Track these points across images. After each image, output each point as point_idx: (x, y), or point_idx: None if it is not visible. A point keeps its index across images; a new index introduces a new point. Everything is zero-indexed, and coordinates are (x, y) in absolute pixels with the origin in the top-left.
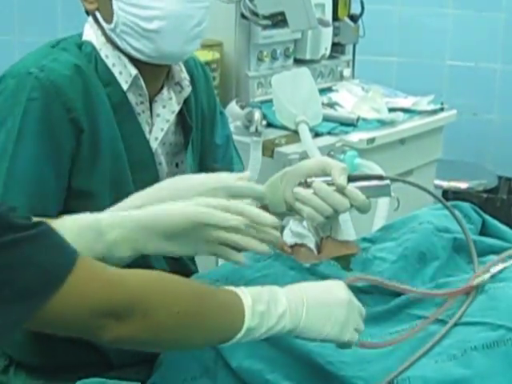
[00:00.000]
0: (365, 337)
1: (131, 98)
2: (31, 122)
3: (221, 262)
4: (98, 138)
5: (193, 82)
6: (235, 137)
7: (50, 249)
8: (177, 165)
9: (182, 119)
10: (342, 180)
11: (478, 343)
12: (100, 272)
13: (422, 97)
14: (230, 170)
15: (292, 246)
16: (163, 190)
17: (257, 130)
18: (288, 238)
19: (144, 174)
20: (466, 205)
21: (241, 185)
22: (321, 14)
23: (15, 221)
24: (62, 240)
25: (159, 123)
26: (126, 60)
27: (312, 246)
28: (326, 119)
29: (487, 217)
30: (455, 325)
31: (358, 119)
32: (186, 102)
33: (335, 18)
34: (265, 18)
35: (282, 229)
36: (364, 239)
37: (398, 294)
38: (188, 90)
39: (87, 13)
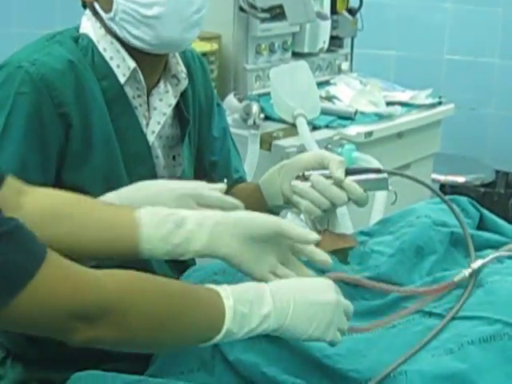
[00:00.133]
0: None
1: (128, 91)
2: (19, 117)
3: None
4: (90, 133)
5: (190, 74)
6: (233, 130)
7: (14, 249)
8: (174, 157)
9: (179, 112)
10: (339, 173)
11: (475, 337)
12: (72, 273)
13: (420, 91)
14: (228, 162)
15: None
16: (140, 190)
17: (255, 123)
18: None
19: (141, 167)
20: (463, 199)
21: (212, 195)
22: (319, 8)
23: None
24: (30, 239)
25: (156, 116)
26: (124, 53)
27: None
28: (324, 112)
29: (485, 211)
30: (452, 319)
31: (355, 113)
32: (183, 94)
33: (333, 11)
34: (263, 10)
35: None
36: (361, 233)
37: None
38: (185, 82)
39: (84, 6)
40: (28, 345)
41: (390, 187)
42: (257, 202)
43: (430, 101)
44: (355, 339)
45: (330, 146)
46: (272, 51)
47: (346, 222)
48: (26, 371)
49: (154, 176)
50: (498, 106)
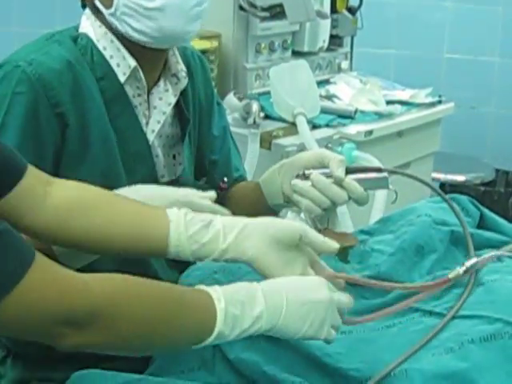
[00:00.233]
0: (361, 329)
1: (128, 90)
2: (15, 116)
3: None
4: (87, 133)
5: (190, 72)
6: (233, 129)
7: (3, 250)
8: (174, 156)
9: (179, 111)
10: (340, 172)
11: (476, 336)
12: (60, 277)
13: (420, 89)
14: (228, 161)
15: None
16: (132, 194)
17: (255, 121)
18: None
19: (141, 166)
20: (463, 198)
21: (203, 203)
22: (319, 6)
23: None
24: (17, 243)
25: (156, 115)
26: (124, 51)
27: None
28: (324, 111)
29: (485, 210)
30: (452, 318)
31: (355, 111)
32: (183, 93)
33: (333, 10)
34: (263, 9)
35: None
36: (362, 231)
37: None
38: (184, 81)
39: (83, 6)
40: (28, 343)
41: (391, 186)
42: (257, 200)
43: (429, 99)
44: (355, 338)
45: (330, 145)
46: (272, 50)
47: (346, 220)
48: (26, 370)
49: (153, 175)
50: (497, 104)
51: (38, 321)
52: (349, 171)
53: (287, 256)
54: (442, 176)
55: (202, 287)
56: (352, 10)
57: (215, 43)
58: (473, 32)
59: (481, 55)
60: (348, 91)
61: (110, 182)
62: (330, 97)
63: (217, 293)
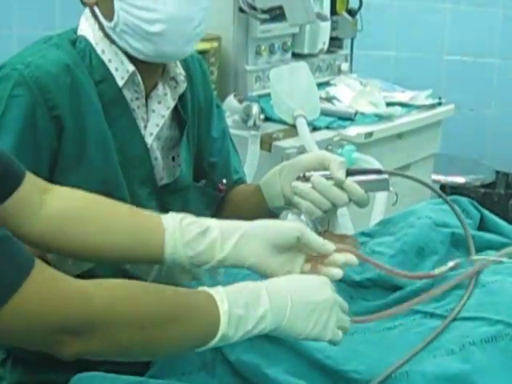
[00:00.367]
0: (363, 331)
1: (126, 93)
2: (12, 119)
3: None
4: (85, 136)
5: (189, 75)
6: (233, 131)
7: (1, 258)
8: (173, 158)
9: (178, 114)
10: (340, 174)
11: (477, 338)
12: (59, 285)
13: (420, 91)
14: (227, 163)
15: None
16: None
17: (255, 123)
18: None
19: (139, 169)
20: (464, 199)
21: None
22: (319, 9)
23: None
24: (16, 251)
25: (154, 119)
26: (123, 56)
27: None
28: (324, 113)
29: (486, 212)
30: (454, 320)
31: (355, 113)
32: (182, 97)
33: (333, 12)
34: (263, 11)
35: None
36: (362, 233)
37: (395, 289)
38: (183, 85)
39: (82, 2)
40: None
41: (391, 188)
42: (257, 203)
43: (429, 101)
44: (357, 340)
45: (330, 147)
46: (272, 52)
47: (347, 222)
48: (26, 373)
49: (152, 178)
50: (497, 106)
51: (36, 329)
52: (349, 173)
53: (286, 257)
54: (442, 178)
55: (205, 289)
56: (352, 12)
57: (215, 45)
58: (472, 34)
59: (481, 57)
60: (348, 93)
61: (107, 186)
62: (330, 99)
63: (219, 294)
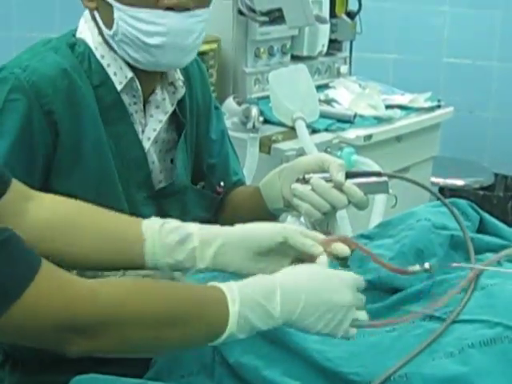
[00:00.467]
0: (362, 333)
1: (125, 98)
2: (8, 123)
3: None
4: (81, 141)
5: (187, 77)
6: (232, 133)
7: (6, 262)
8: (171, 161)
9: (176, 117)
10: (339, 176)
11: (476, 341)
12: (66, 284)
13: (419, 94)
14: (226, 165)
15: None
16: None
17: (254, 126)
18: None
19: (137, 174)
20: (463, 202)
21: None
22: (318, 11)
23: None
24: (23, 250)
25: (152, 123)
26: (122, 62)
27: None
28: (323, 116)
29: (484, 214)
30: (453, 322)
31: (354, 116)
32: (180, 101)
33: (332, 14)
34: (262, 14)
35: None
36: (361, 236)
37: (394, 292)
38: (182, 91)
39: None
40: (27, 348)
41: (390, 190)
42: (256, 205)
43: (428, 104)
44: (356, 342)
45: (329, 150)
46: (271, 54)
47: (346, 225)
48: (25, 375)
49: (149, 183)
50: (496, 109)
51: (45, 328)
52: (349, 175)
53: (270, 260)
54: (441, 180)
55: (217, 285)
56: (351, 15)
57: (214, 47)
58: (471, 36)
59: (480, 60)
60: (347, 96)
61: (103, 190)
62: (329, 101)
63: (232, 292)
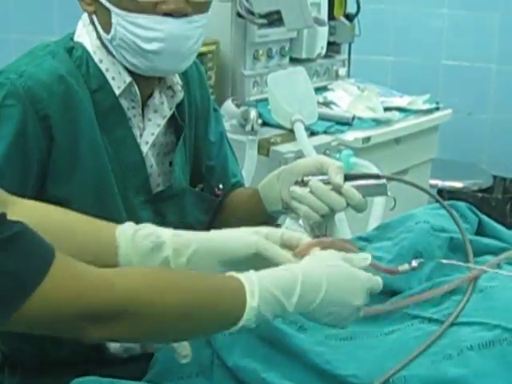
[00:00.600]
0: (361, 336)
1: (123, 102)
2: (2, 129)
3: None
4: (77, 146)
5: (186, 79)
6: (231, 135)
7: (21, 255)
8: (170, 164)
9: (174, 120)
10: (338, 179)
11: (474, 343)
12: (81, 274)
13: (418, 96)
14: (225, 167)
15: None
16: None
17: (252, 128)
18: None
19: (135, 178)
20: (462, 204)
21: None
22: (317, 13)
23: None
24: (37, 242)
25: (150, 127)
26: (120, 67)
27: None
28: (322, 118)
29: (483, 216)
30: (451, 324)
31: (353, 118)
32: (179, 105)
33: (331, 17)
34: (261, 16)
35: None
36: (360, 238)
37: (393, 294)
38: (180, 95)
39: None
40: (26, 351)
41: (389, 193)
42: (255, 206)
43: (427, 106)
44: (355, 345)
45: (327, 152)
46: (270, 57)
47: (345, 227)
48: (24, 377)
49: (147, 187)
50: (495, 111)
51: (61, 317)
52: (347, 178)
53: (246, 267)
54: (439, 182)
55: (236, 275)
56: (349, 17)
57: (213, 50)
58: (470, 39)
59: (478, 62)
60: (346, 98)
61: (100, 195)
62: (327, 103)
63: (251, 284)
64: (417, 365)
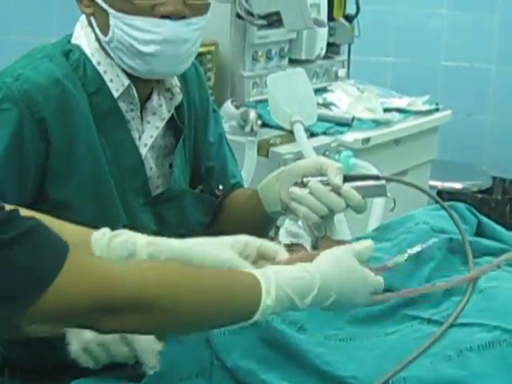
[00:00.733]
0: (360, 337)
1: (121, 105)
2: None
3: None
4: (74, 149)
5: (185, 81)
6: (230, 137)
7: (35, 249)
8: (170, 165)
9: (173, 122)
10: (337, 180)
11: (474, 344)
12: (95, 268)
13: (417, 97)
14: (224, 168)
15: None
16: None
17: (252, 129)
18: (283, 238)
19: (134, 181)
20: (461, 205)
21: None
22: (316, 14)
23: None
24: (50, 236)
25: (149, 130)
26: (118, 70)
27: (307, 245)
28: (321, 119)
29: (483, 217)
30: (451, 326)
31: (353, 119)
32: (178, 107)
33: (330, 18)
34: (260, 17)
35: (277, 228)
36: (359, 239)
37: None
38: (179, 97)
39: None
40: (26, 354)
41: (388, 194)
42: (254, 208)
43: (426, 107)
44: (354, 346)
45: (327, 153)
46: (269, 58)
47: (344, 228)
48: (23, 380)
49: (146, 189)
50: (494, 112)
51: (75, 310)
52: (347, 179)
53: None
54: (439, 184)
55: (253, 271)
56: (349, 18)
57: (212, 51)
58: (469, 39)
59: (477, 62)
60: (345, 99)
61: (99, 197)
62: (327, 105)
63: (267, 282)
64: (416, 366)
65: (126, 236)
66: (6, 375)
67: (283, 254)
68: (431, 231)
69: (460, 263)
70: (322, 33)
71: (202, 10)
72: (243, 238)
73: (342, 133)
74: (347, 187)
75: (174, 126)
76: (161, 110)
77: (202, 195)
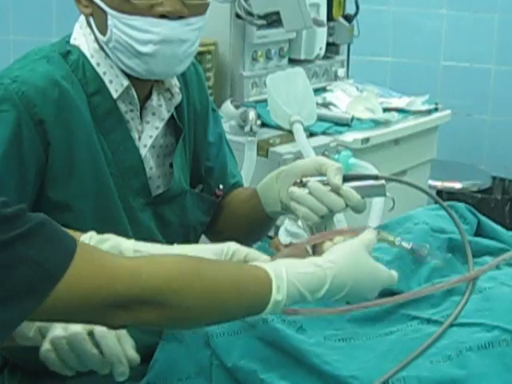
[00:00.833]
0: (359, 336)
1: (121, 106)
2: None
3: None
4: (73, 150)
5: (185, 80)
6: (229, 136)
7: (44, 244)
8: (170, 165)
9: (173, 122)
10: (337, 180)
11: (473, 344)
12: (106, 263)
13: (417, 97)
14: (224, 167)
15: (287, 245)
16: None
17: (251, 129)
18: (283, 237)
19: (134, 181)
20: (461, 205)
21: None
22: (315, 14)
23: (6, 216)
24: (59, 232)
25: (148, 130)
26: (117, 70)
27: (307, 245)
28: (321, 119)
29: (482, 217)
30: (451, 325)
31: (352, 119)
32: (177, 106)
33: (330, 17)
34: (260, 17)
35: (276, 228)
36: None
37: (393, 295)
38: (178, 98)
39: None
40: (26, 354)
41: (388, 194)
42: (254, 208)
43: (426, 107)
44: (354, 346)
45: (326, 153)
46: (268, 58)
47: None
48: (23, 380)
49: (146, 189)
50: (494, 112)
51: (87, 305)
52: (346, 179)
53: None
54: (438, 183)
55: (265, 266)
56: (348, 18)
57: (212, 51)
58: (469, 39)
59: (477, 62)
60: (345, 99)
61: (99, 198)
62: (326, 104)
63: (279, 278)
64: (416, 366)
65: (112, 242)
66: (6, 375)
67: None
68: (431, 231)
69: (460, 263)
70: (322, 33)
71: (200, 9)
72: (232, 247)
73: (341, 133)
74: (347, 187)
75: (173, 126)
76: (160, 110)
77: (203, 195)
